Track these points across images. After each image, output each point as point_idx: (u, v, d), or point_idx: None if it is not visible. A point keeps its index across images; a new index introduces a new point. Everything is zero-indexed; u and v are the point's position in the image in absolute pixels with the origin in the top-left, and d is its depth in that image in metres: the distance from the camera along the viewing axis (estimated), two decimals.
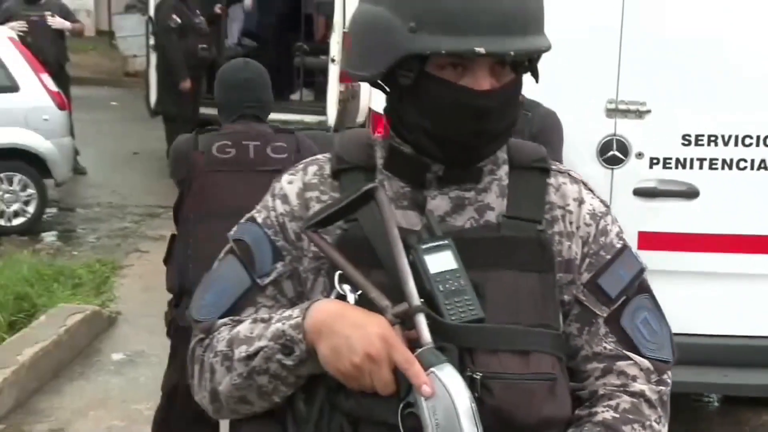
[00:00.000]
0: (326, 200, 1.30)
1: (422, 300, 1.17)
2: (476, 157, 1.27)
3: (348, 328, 1.16)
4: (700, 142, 3.47)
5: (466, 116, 1.21)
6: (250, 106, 2.99)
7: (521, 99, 1.30)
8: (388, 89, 1.27)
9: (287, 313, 1.23)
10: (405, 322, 1.17)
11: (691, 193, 3.50)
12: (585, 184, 1.34)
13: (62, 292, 5.33)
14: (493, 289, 1.22)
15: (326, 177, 1.32)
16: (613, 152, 3.51)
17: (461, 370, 1.16)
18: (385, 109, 1.30)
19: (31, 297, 5.15)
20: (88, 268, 6.04)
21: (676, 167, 3.49)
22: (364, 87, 8.44)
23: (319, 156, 1.36)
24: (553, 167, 1.33)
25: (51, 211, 7.59)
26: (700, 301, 3.48)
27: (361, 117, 8.78)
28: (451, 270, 1.19)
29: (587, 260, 1.29)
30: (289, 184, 1.33)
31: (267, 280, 1.29)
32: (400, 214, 1.27)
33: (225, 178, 2.88)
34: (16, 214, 7.01)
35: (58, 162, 7.10)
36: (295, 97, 9.68)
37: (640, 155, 3.50)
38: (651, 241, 3.43)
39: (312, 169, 1.34)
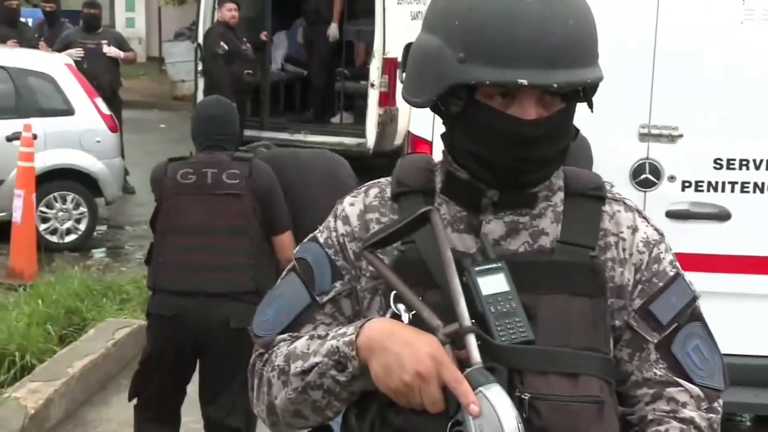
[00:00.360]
0: (385, 222, 1.33)
1: (474, 321, 1.19)
2: (527, 182, 1.29)
3: (399, 346, 1.18)
4: (731, 166, 3.52)
5: (512, 143, 1.24)
6: (217, 137, 3.48)
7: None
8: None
9: (342, 330, 1.26)
10: (455, 342, 1.18)
11: (722, 216, 3.55)
12: (640, 213, 1.35)
13: (110, 307, 5.43)
14: (545, 312, 1.24)
15: (386, 200, 1.35)
16: (645, 175, 3.58)
17: (510, 390, 1.17)
18: (442, 135, 1.34)
19: (81, 311, 5.26)
20: (135, 283, 6.11)
21: (708, 190, 3.55)
22: (402, 111, 8.58)
23: (381, 179, 1.40)
24: (609, 195, 1.34)
25: (101, 228, 7.78)
26: (731, 321, 3.49)
27: (398, 140, 8.91)
28: (503, 292, 1.22)
29: (639, 287, 1.30)
30: (351, 206, 1.37)
31: (326, 298, 1.33)
32: (456, 237, 1.30)
33: (187, 200, 3.40)
34: (68, 232, 7.20)
35: (109, 182, 7.32)
36: (335, 120, 9.85)
37: (672, 178, 3.56)
38: (683, 262, 3.42)
39: (373, 191, 1.37)
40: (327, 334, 1.28)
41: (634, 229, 1.33)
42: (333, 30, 9.79)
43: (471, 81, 1.22)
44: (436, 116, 1.33)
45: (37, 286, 5.63)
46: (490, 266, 1.23)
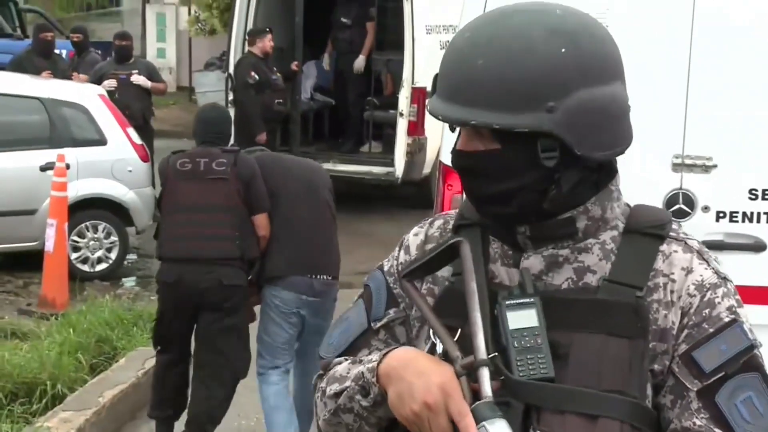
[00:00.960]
0: None
1: (496, 354, 1.20)
2: (502, 214, 1.29)
3: (413, 376, 1.21)
4: (766, 197, 3.48)
5: (456, 170, 1.32)
6: (211, 135, 4.29)
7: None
8: None
9: (372, 356, 1.31)
10: (471, 375, 1.19)
11: (758, 247, 3.50)
12: (701, 254, 1.30)
13: (141, 336, 5.45)
14: (578, 351, 1.23)
15: (448, 231, 1.39)
16: (679, 206, 3.53)
17: (525, 427, 1.18)
18: None
19: (111, 340, 5.31)
20: None
21: (743, 221, 3.50)
22: (431, 140, 8.59)
23: (450, 212, 1.44)
24: (671, 234, 1.30)
25: (131, 257, 7.84)
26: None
27: (427, 169, 8.92)
28: (530, 327, 1.22)
29: (686, 331, 1.25)
30: (414, 236, 1.43)
31: (379, 324, 1.38)
32: (504, 271, 1.31)
33: (184, 183, 4.20)
34: (99, 260, 7.27)
35: (140, 211, 7.38)
36: (364, 149, 9.88)
37: (706, 209, 3.52)
38: None
39: (438, 222, 1.43)
40: (363, 359, 1.32)
41: (689, 271, 1.28)
42: (359, 63, 9.86)
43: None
44: None
45: (68, 315, 5.69)
46: (522, 301, 1.24)
